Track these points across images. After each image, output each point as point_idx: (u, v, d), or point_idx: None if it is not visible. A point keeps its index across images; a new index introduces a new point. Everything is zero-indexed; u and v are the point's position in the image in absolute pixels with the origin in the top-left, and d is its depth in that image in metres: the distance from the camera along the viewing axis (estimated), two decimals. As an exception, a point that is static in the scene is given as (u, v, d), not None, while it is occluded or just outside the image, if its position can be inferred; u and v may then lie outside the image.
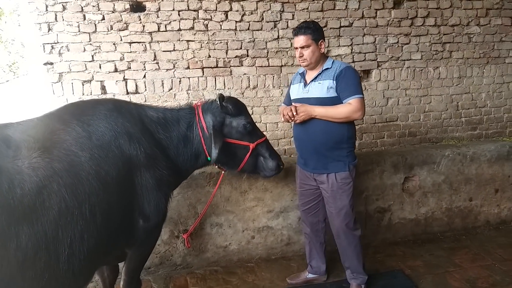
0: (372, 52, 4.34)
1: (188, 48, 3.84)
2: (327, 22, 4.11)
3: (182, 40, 3.81)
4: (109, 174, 2.01)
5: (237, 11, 3.87)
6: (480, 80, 4.74)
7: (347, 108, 2.59)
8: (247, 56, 4.00)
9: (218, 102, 2.56)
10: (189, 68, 3.89)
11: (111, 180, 2.02)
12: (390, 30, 4.32)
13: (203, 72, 3.93)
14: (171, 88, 3.88)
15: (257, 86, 4.09)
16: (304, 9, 4.03)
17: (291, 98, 2.94)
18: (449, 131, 4.80)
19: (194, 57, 3.87)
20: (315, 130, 2.69)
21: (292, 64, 4.12)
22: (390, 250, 3.60)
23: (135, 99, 3.78)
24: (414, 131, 4.69)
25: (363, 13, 4.20)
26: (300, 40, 2.68)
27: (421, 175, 3.68)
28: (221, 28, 3.88)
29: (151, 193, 2.26)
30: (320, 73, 2.72)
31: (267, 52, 4.04)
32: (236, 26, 3.91)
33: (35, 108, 3.61)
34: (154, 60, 3.79)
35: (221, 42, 3.91)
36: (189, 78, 3.91)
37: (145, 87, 3.82)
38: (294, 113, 2.67)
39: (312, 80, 2.75)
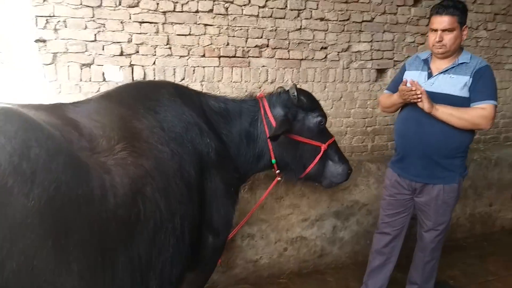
0: (390, 50, 4.14)
1: (205, 34, 3.37)
2: (350, 15, 3.84)
3: (199, 24, 3.33)
4: (191, 176, 1.58)
5: (260, -6, 3.47)
6: (484, 85, 4.75)
7: (478, 113, 2.21)
8: (267, 46, 3.61)
9: (294, 94, 2.17)
10: (204, 56, 3.41)
11: (193, 184, 1.58)
12: (409, 28, 4.16)
13: (219, 62, 3.48)
14: (184, 78, 3.38)
15: (275, 80, 3.70)
16: (329, -1, 3.72)
17: None
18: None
19: (211, 43, 3.40)
20: (433, 131, 2.30)
21: (312, 58, 3.80)
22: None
23: (142, 88, 3.24)
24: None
25: (385, 9, 3.99)
26: (444, 21, 2.23)
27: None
28: (242, 13, 3.45)
29: (221, 201, 1.84)
30: (454, 66, 2.32)
31: (289, 43, 3.68)
32: (258, 12, 3.50)
33: (19, 95, 2.93)
34: (166, 44, 3.26)
35: (241, 29, 3.47)
36: (204, 67, 3.43)
37: (154, 75, 3.28)
38: (419, 93, 2.22)
39: (441, 72, 2.35)
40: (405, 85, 2.26)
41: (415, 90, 2.22)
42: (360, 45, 3.98)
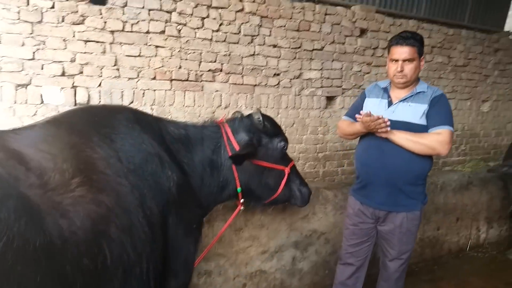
0: (339, 78, 4.25)
1: (156, 55, 3.19)
2: (301, 43, 3.89)
3: (150, 45, 3.15)
4: (153, 213, 1.39)
5: (214, 19, 3.38)
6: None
7: (434, 137, 2.22)
8: (221, 71, 3.51)
9: (260, 119, 2.08)
10: (155, 79, 3.22)
11: (156, 221, 1.39)
12: (356, 57, 4.30)
13: (171, 85, 3.30)
14: (132, 101, 3.15)
15: (229, 106, 3.60)
16: (281, 26, 3.74)
17: None
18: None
19: (162, 66, 3.22)
20: (395, 158, 2.29)
21: (265, 84, 3.76)
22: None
23: (86, 112, 2.95)
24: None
25: (334, 38, 4.10)
26: (405, 51, 2.26)
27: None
28: (195, 36, 3.33)
29: (182, 240, 1.65)
30: (412, 95, 2.35)
31: (242, 69, 3.61)
32: (212, 36, 3.40)
33: None
34: (114, 65, 3.03)
35: (194, 52, 3.35)
36: (154, 90, 3.23)
37: (100, 98, 3.02)
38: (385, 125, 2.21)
39: (400, 100, 2.37)
40: (368, 116, 2.26)
41: (381, 119, 2.22)
42: (311, 72, 4.03)
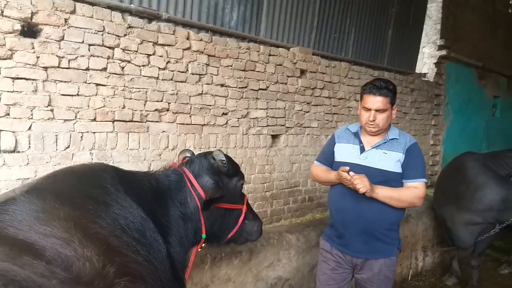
0: (282, 117, 4.27)
1: (97, 94, 2.88)
2: (248, 82, 3.85)
3: (90, 83, 2.83)
4: None
5: (161, 56, 3.19)
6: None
7: (413, 193, 2.25)
8: (168, 110, 3.29)
9: (224, 160, 1.95)
10: (95, 120, 2.89)
11: None
12: (297, 97, 4.38)
13: (113, 127, 2.99)
14: (69, 146, 2.77)
15: (176, 147, 3.36)
16: (228, 65, 3.66)
17: (338, 160, 2.45)
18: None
19: (104, 106, 2.91)
20: (371, 206, 2.25)
21: (214, 124, 3.61)
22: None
23: (12, 160, 2.52)
24: (312, 196, 4.73)
25: (277, 78, 4.14)
26: (378, 101, 2.24)
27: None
28: (140, 74, 3.09)
29: None
30: (385, 142, 2.34)
31: (190, 108, 3.43)
32: (158, 74, 3.19)
33: None
34: (47, 106, 2.65)
35: (139, 91, 3.09)
36: (94, 133, 2.89)
37: (30, 143, 2.60)
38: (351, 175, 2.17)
39: (373, 147, 2.35)
40: (347, 172, 2.23)
41: (357, 181, 2.17)
42: (257, 111, 3.99)
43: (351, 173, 2.21)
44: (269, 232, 3.05)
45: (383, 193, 2.24)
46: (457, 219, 4.20)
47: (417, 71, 6.87)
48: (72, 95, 2.75)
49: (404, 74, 6.19)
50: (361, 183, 2.15)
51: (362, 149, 2.42)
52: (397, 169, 2.33)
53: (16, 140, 2.54)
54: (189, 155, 2.21)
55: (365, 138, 2.45)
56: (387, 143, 2.38)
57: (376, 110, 2.29)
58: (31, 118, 2.60)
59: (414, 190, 2.28)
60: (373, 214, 2.30)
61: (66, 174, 1.41)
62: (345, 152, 2.47)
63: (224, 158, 2.08)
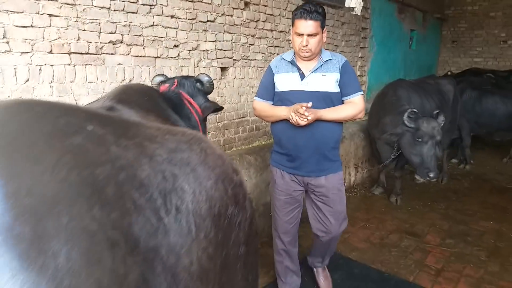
0: (230, 50, 4.43)
1: (51, 25, 2.81)
2: (197, 14, 3.91)
3: (43, 14, 2.75)
4: None
5: (111, -14, 3.13)
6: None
7: (355, 108, 2.46)
8: (122, 42, 3.30)
9: (211, 82, 2.20)
10: (52, 53, 2.85)
11: None
12: (243, 30, 4.54)
13: (70, 59, 2.97)
14: (28, 80, 2.74)
15: (133, 79, 3.43)
16: (177, -4, 3.68)
17: (281, 90, 2.55)
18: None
19: (59, 38, 2.87)
20: (319, 128, 2.46)
21: (166, 56, 3.69)
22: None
23: (-28, 94, 2.47)
24: (258, 125, 5.09)
25: (224, 10, 4.23)
26: (309, 26, 2.32)
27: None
28: (92, 4, 3.04)
29: None
30: (322, 64, 2.49)
31: (143, 40, 3.46)
32: (110, 4, 3.15)
33: None
34: (3, 38, 2.57)
35: (93, 22, 3.06)
36: (52, 66, 2.87)
37: (-12, 76, 2.54)
38: (307, 114, 2.29)
39: (312, 71, 2.48)
40: (305, 107, 2.33)
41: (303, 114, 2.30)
42: (207, 44, 4.11)
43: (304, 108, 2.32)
44: (231, 155, 3.36)
45: (327, 114, 2.43)
46: (378, 139, 4.87)
47: (346, 5, 7.25)
48: (26, 27, 2.67)
49: (335, 8, 6.53)
50: (312, 115, 2.33)
51: (302, 76, 2.51)
52: (336, 88, 2.50)
53: (-27, 73, 2.46)
54: (163, 79, 2.36)
55: (301, 64, 2.53)
56: (323, 65, 2.50)
57: (308, 35, 2.36)
58: (-14, 51, 2.51)
59: (355, 106, 2.48)
60: (322, 134, 2.47)
61: (132, 90, 1.52)
62: (286, 81, 2.55)
63: (211, 79, 2.30)
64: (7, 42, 2.60)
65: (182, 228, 0.74)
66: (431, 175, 4.08)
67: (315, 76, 2.48)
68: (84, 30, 3.01)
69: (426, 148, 4.14)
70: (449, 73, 9.05)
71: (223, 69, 4.42)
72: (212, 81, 2.26)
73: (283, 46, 5.25)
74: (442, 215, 4.61)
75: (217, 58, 4.26)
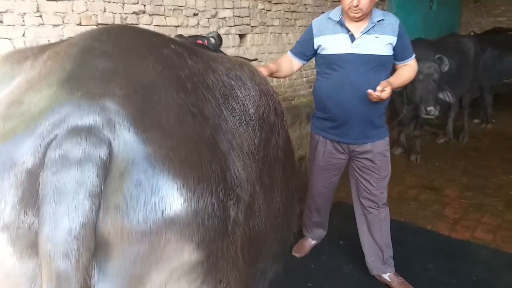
0: (247, 16, 4.52)
1: (79, -1, 2.99)
2: (213, -19, 4.01)
3: (70, -13, 2.93)
4: None
5: (131, -43, 3.26)
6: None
7: (414, 71, 2.45)
8: (144, 12, 3.45)
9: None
10: (81, 25, 3.03)
11: None
12: (260, -4, 4.61)
13: (98, 31, 3.15)
14: (62, 51, 2.94)
15: (157, 49, 3.60)
16: (195, -35, 3.78)
17: (329, 53, 2.40)
18: (297, 90, 5.59)
19: (87, 10, 3.04)
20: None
21: (187, 25, 3.83)
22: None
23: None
24: (278, 91, 5.21)
25: (240, -24, 4.30)
26: None
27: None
28: (115, -23, 3.19)
29: None
30: (374, 25, 2.32)
31: (164, 10, 3.60)
32: (131, -24, 3.30)
33: None
34: (36, 12, 2.76)
35: (116, -6, 3.22)
36: (82, 37, 3.05)
37: (26, 49, 2.75)
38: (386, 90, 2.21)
39: (363, 33, 2.33)
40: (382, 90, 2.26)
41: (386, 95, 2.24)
42: (225, 11, 4.21)
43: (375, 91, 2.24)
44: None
45: (396, 82, 2.36)
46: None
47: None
48: (56, 0, 2.85)
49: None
50: (387, 93, 2.24)
51: (352, 37, 2.35)
52: (389, 52, 2.36)
53: (13, 47, 2.68)
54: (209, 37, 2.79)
55: (351, 25, 2.37)
56: (375, 26, 2.34)
57: None
58: (24, 25, 2.71)
59: (413, 69, 2.48)
60: (373, 102, 2.31)
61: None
62: (334, 43, 2.40)
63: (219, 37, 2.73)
64: (40, 16, 2.79)
65: (235, 120, 1.05)
66: (428, 108, 4.14)
67: (367, 38, 2.32)
68: (109, 2, 3.18)
69: (423, 85, 4.24)
70: (471, 33, 8.82)
71: (241, 36, 4.53)
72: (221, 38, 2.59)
73: (300, 11, 5.29)
74: (461, 171, 4.70)
75: (235, 25, 4.36)
